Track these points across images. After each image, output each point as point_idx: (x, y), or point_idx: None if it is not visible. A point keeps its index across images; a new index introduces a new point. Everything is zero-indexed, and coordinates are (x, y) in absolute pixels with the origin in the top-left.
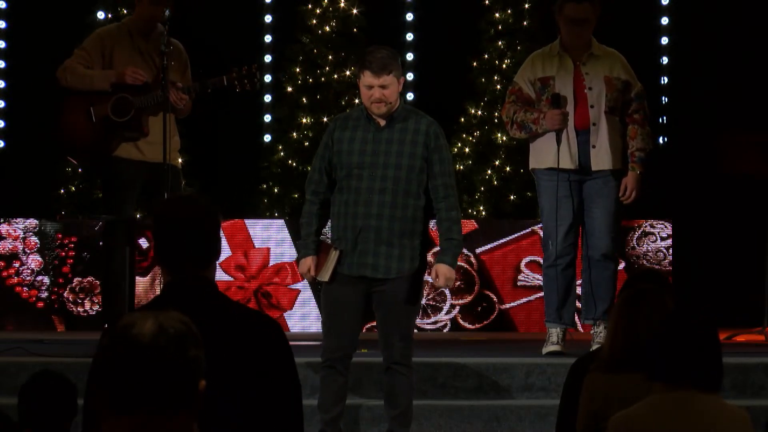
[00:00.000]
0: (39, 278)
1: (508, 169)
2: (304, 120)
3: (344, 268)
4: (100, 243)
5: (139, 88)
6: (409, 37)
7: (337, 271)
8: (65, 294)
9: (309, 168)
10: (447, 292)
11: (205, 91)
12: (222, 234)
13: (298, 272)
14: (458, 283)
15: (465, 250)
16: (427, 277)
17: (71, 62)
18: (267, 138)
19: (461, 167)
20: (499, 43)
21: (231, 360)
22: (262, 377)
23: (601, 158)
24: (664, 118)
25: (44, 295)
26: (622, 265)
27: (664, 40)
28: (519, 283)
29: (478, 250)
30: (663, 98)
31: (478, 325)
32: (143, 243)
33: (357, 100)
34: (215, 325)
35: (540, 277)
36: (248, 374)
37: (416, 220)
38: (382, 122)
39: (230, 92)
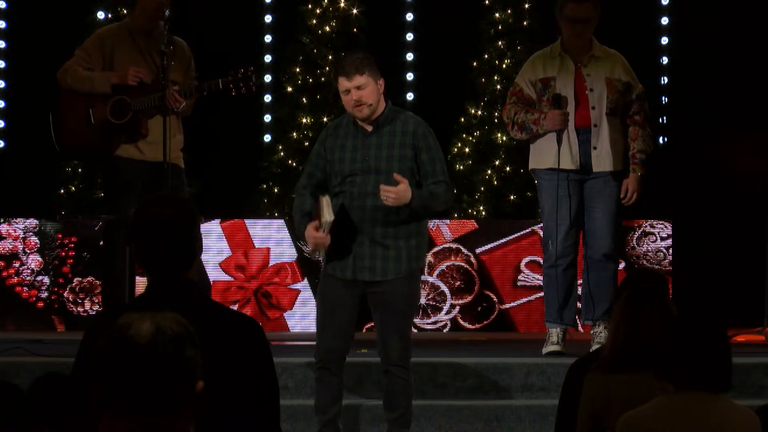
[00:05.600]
0: (39, 278)
1: (508, 169)
2: (304, 120)
3: (338, 272)
4: (101, 243)
5: (138, 90)
6: (409, 37)
7: (335, 276)
8: (65, 294)
9: None
10: (447, 292)
11: (201, 94)
12: (223, 234)
13: (309, 248)
14: (458, 283)
15: (465, 250)
16: (427, 277)
17: (72, 64)
18: (267, 138)
19: (461, 167)
20: (499, 43)
21: (212, 360)
22: (242, 378)
23: (602, 160)
24: (664, 118)
25: (44, 295)
26: (622, 265)
27: (664, 40)
28: (519, 283)
29: (478, 250)
30: (663, 98)
31: (478, 325)
32: None
33: None
34: (196, 326)
35: (540, 277)
36: (228, 375)
37: (411, 221)
38: (369, 128)
39: (221, 94)
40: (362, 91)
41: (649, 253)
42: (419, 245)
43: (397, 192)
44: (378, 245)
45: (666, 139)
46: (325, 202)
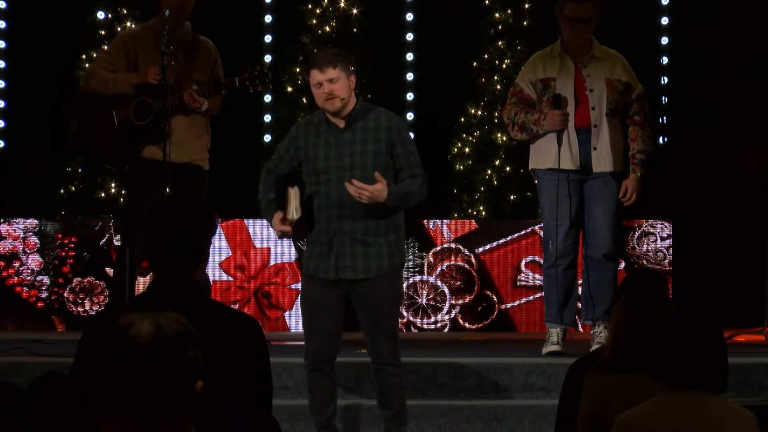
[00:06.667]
0: (39, 278)
1: (508, 169)
2: None
3: (320, 272)
4: (100, 243)
5: (160, 91)
6: (409, 37)
7: (318, 276)
8: (65, 294)
9: None
10: (447, 292)
11: (219, 93)
12: (223, 234)
13: (276, 235)
14: (458, 283)
15: (465, 250)
16: (427, 277)
17: (95, 67)
18: (267, 138)
19: (461, 167)
20: (499, 43)
21: (213, 360)
22: (242, 378)
23: (602, 160)
24: (664, 118)
25: (44, 295)
26: (622, 265)
27: (664, 40)
28: (519, 283)
29: (478, 250)
30: (663, 98)
31: (478, 325)
32: None
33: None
34: (196, 325)
35: (540, 277)
36: (228, 374)
37: (389, 216)
38: (341, 124)
39: (235, 92)
40: (334, 85)
41: (649, 253)
42: (398, 240)
43: (372, 191)
44: (359, 243)
45: (666, 139)
46: (293, 194)
